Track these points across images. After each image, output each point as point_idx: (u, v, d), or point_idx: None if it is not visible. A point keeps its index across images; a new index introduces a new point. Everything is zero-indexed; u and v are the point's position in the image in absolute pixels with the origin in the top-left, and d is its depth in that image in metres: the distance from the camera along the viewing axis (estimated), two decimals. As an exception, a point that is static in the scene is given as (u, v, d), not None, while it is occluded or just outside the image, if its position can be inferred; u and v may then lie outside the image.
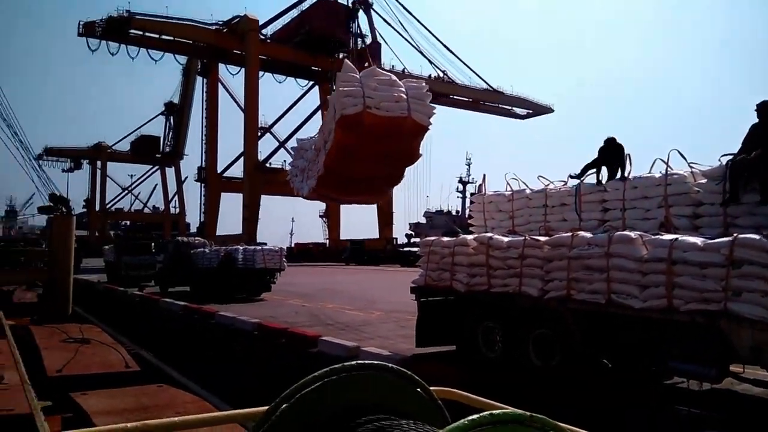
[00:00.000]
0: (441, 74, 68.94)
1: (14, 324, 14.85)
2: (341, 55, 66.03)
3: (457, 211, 67.51)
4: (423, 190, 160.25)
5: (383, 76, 10.06)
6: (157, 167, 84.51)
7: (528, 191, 9.27)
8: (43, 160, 62.98)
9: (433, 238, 9.48)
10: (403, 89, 9.71)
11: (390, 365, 1.63)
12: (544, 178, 9.32)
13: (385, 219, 63.42)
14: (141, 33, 53.36)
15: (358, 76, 9.33)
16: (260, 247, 20.70)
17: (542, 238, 7.56)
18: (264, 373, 10.50)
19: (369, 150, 9.76)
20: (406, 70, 67.59)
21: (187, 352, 13.81)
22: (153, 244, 26.71)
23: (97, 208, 79.69)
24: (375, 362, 1.61)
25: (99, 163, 79.36)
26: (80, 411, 7.21)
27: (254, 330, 11.38)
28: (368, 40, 65.34)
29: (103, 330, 14.89)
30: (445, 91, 71.61)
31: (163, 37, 54.53)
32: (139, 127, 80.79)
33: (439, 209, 67.82)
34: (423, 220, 66.41)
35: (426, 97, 9.95)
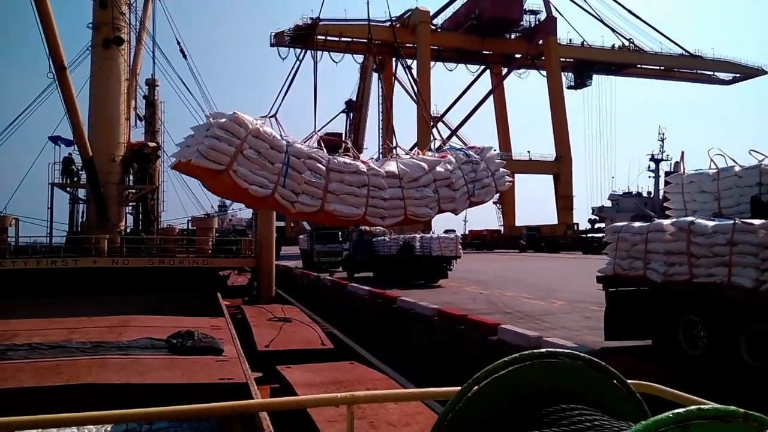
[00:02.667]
0: (626, 43, 63.35)
1: (229, 304, 17.26)
2: (513, 36, 64.34)
3: (649, 193, 61.29)
4: (608, 171, 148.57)
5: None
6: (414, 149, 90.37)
7: (737, 168, 8.09)
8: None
9: (622, 223, 8.77)
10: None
11: (583, 354, 1.56)
12: (756, 152, 8.05)
13: (565, 203, 60.26)
14: (324, 38, 57.55)
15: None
16: (436, 235, 21.10)
17: (756, 222, 6.55)
18: (444, 358, 10.76)
19: None
20: (585, 43, 63.52)
21: (373, 333, 14.71)
22: (340, 233, 28.83)
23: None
24: (567, 351, 1.56)
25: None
26: (285, 382, 8.12)
27: (434, 316, 11.67)
28: (542, 16, 62.50)
29: (301, 310, 16.57)
30: (631, 61, 65.71)
31: (343, 39, 58.14)
32: (324, 126, 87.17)
33: (627, 191, 62.21)
34: (608, 204, 61.58)
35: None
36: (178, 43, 23.48)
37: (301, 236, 37.96)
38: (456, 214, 8.89)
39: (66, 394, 5.87)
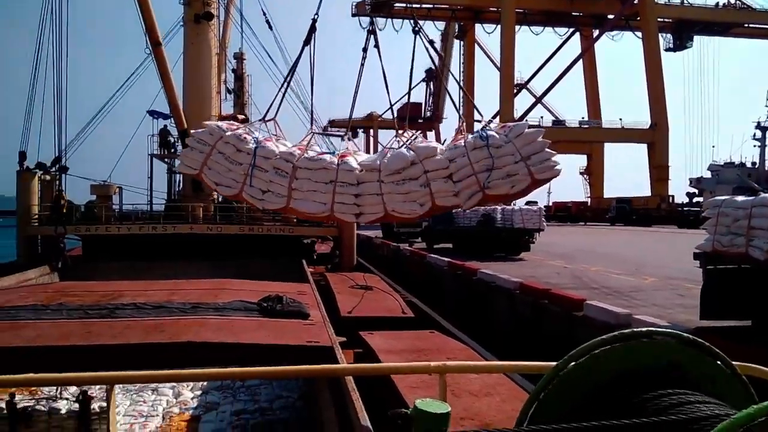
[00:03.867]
0: (732, 0, 57.83)
1: (313, 271, 17.90)
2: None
3: (753, 164, 56.32)
4: (708, 139, 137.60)
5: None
6: (420, 132, 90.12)
7: None
8: (328, 131, 72.95)
9: (723, 197, 8.17)
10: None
11: (686, 335, 1.50)
12: None
13: (659, 174, 56.72)
14: (404, 6, 56.84)
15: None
16: (518, 207, 20.64)
17: None
18: (525, 332, 10.63)
19: None
20: (685, 1, 58.56)
21: (452, 304, 14.77)
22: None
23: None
24: (671, 330, 1.51)
25: (371, 131, 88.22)
26: (368, 347, 8.37)
27: (516, 289, 11.51)
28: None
29: (381, 279, 16.90)
30: (737, 20, 60.02)
31: (423, 5, 57.14)
32: (403, 96, 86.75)
33: (728, 161, 57.45)
34: (707, 175, 57.30)
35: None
36: (264, 14, 24.04)
37: (381, 206, 38.39)
38: (465, 210, 8.09)
39: (169, 351, 6.36)
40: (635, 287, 11.80)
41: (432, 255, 18.75)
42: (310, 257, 21.63)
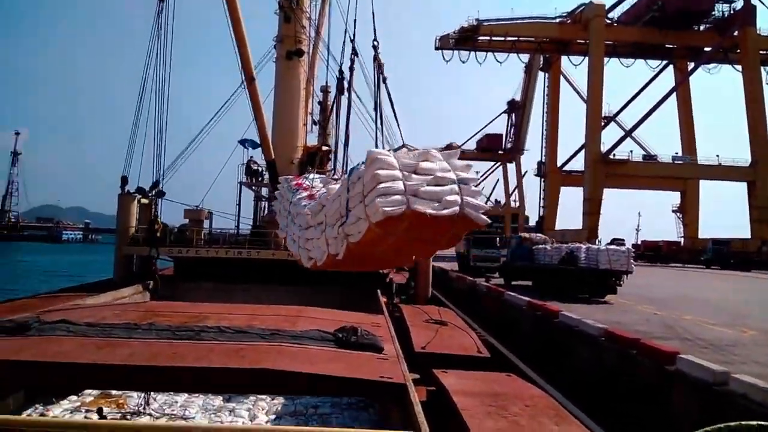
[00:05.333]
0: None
1: (386, 301, 17.85)
2: (702, 27, 57.65)
3: None
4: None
5: (428, 159, 7.46)
6: (499, 163, 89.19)
7: None
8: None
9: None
10: (453, 177, 7.27)
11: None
12: None
13: (760, 215, 52.51)
14: (488, 38, 57.02)
15: (396, 164, 7.23)
16: (604, 247, 19.70)
17: None
18: (610, 382, 10.01)
19: (405, 241, 7.85)
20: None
21: (530, 345, 14.21)
22: (497, 238, 28.35)
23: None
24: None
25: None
26: (441, 387, 8.17)
27: (601, 336, 10.90)
28: (738, 4, 55.15)
29: (457, 314, 16.57)
30: None
31: (508, 38, 57.03)
32: (484, 127, 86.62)
33: None
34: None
35: (476, 194, 7.29)
36: (352, 41, 24.79)
37: (458, 239, 38.06)
38: (337, 257, 7.31)
39: (247, 376, 6.51)
40: (734, 340, 10.87)
41: (510, 293, 18.22)
42: (384, 287, 21.66)
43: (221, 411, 10.07)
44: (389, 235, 6.83)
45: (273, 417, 10.16)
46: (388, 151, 7.24)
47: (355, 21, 12.06)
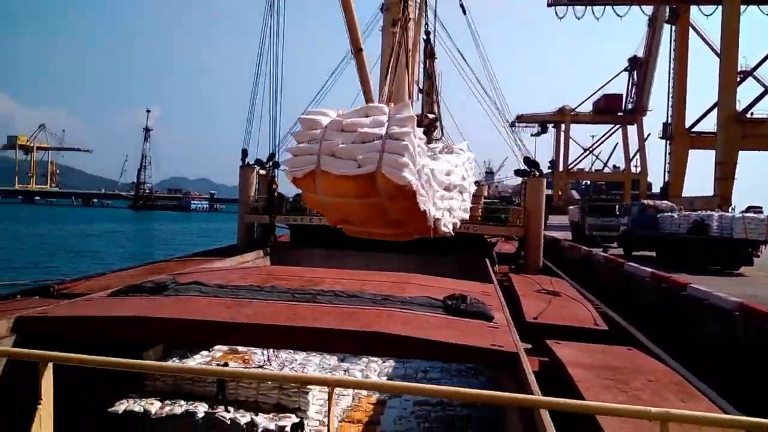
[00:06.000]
0: None
1: (497, 271, 17.53)
2: None
3: None
4: None
5: (359, 120, 6.68)
6: (618, 126, 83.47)
7: None
8: (515, 127, 70.94)
9: None
10: (380, 133, 6.33)
11: None
12: None
13: None
14: (607, -11, 52.94)
15: (321, 123, 6.32)
16: (740, 215, 17.86)
17: None
18: (745, 360, 9.16)
19: (356, 212, 6.82)
20: None
21: (653, 319, 13.34)
22: (617, 206, 26.69)
23: (561, 168, 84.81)
24: None
25: (563, 126, 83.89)
26: (555, 358, 7.90)
27: (735, 310, 9.97)
28: None
29: (570, 285, 15.92)
30: None
31: (630, -12, 52.56)
32: (602, 87, 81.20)
33: None
34: None
35: (402, 149, 6.26)
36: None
37: (571, 207, 36.39)
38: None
39: (360, 338, 6.74)
40: None
41: (631, 263, 17.15)
42: (494, 256, 21.30)
43: (336, 370, 10.58)
44: (316, 195, 6.76)
45: (384, 378, 10.50)
46: (343, 111, 7.13)
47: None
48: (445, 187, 8.12)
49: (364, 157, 6.63)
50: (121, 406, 8.13)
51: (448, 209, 8.21)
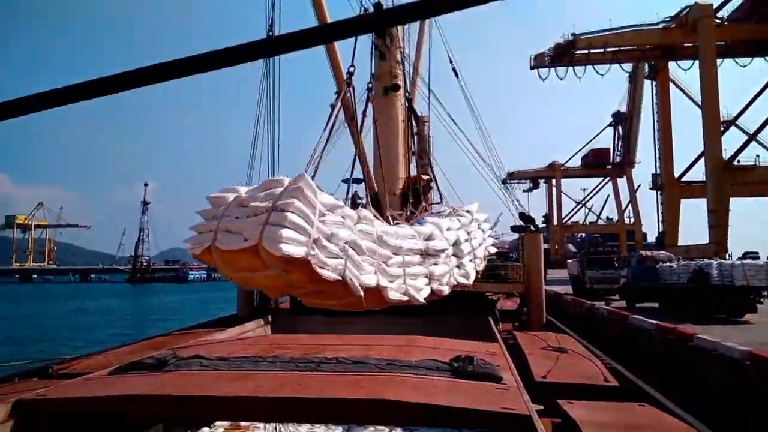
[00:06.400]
0: None
1: (500, 329, 17.28)
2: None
3: None
4: None
5: (256, 194, 6.92)
6: (608, 178, 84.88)
7: None
8: (506, 184, 71.92)
9: None
10: (268, 206, 6.60)
11: None
12: None
13: None
14: (586, 52, 55.15)
15: (227, 200, 6.85)
16: (740, 262, 17.91)
17: None
18: (759, 410, 8.94)
19: (267, 284, 7.11)
20: None
21: (661, 372, 13.08)
22: (615, 258, 26.72)
23: (555, 222, 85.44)
24: None
25: (554, 181, 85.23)
26: (567, 419, 7.71)
27: (745, 359, 9.83)
28: None
29: (576, 340, 15.67)
30: None
31: (608, 49, 54.79)
32: (589, 142, 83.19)
33: None
34: None
35: (283, 220, 6.50)
36: (451, 62, 25.15)
37: (570, 260, 36.37)
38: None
39: (368, 406, 6.57)
40: None
41: (635, 316, 17.00)
42: (496, 314, 21.07)
43: (344, 440, 10.23)
44: (220, 269, 6.83)
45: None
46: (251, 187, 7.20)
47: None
48: (418, 252, 7.91)
49: (249, 231, 6.66)
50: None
51: (423, 275, 7.94)
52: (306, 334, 13.59)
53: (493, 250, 9.64)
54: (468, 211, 9.36)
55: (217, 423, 10.82)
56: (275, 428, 10.35)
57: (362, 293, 6.76)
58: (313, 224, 6.51)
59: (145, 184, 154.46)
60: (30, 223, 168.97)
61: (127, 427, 8.64)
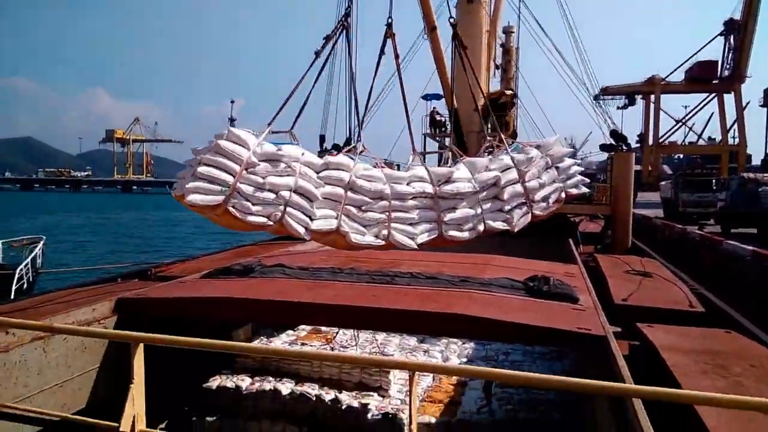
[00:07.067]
0: None
1: (581, 251, 16.81)
2: None
3: None
4: None
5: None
6: (713, 94, 77.32)
7: None
8: (600, 100, 67.17)
9: None
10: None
11: None
12: None
13: None
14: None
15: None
16: None
17: None
18: None
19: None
20: None
21: (755, 301, 12.34)
22: (713, 180, 24.86)
23: (650, 142, 79.95)
24: None
25: (652, 96, 78.80)
26: (646, 341, 7.49)
27: None
28: None
29: (662, 265, 14.99)
30: None
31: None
32: (695, 54, 75.44)
33: None
34: None
35: (192, 171, 6.95)
36: None
37: (663, 182, 34.32)
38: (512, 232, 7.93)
39: (439, 319, 6.71)
40: None
41: (730, 242, 15.93)
42: (578, 236, 20.47)
43: (416, 351, 10.64)
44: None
45: (464, 360, 10.43)
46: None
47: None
48: (422, 196, 7.67)
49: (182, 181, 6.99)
50: (214, 382, 8.62)
51: (426, 220, 7.67)
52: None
53: (575, 191, 8.97)
54: (539, 146, 8.34)
55: (301, 327, 11.55)
56: (353, 334, 10.90)
57: (306, 236, 7.11)
58: (235, 174, 6.72)
59: (232, 101, 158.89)
60: (128, 137, 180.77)
61: (218, 326, 9.41)
